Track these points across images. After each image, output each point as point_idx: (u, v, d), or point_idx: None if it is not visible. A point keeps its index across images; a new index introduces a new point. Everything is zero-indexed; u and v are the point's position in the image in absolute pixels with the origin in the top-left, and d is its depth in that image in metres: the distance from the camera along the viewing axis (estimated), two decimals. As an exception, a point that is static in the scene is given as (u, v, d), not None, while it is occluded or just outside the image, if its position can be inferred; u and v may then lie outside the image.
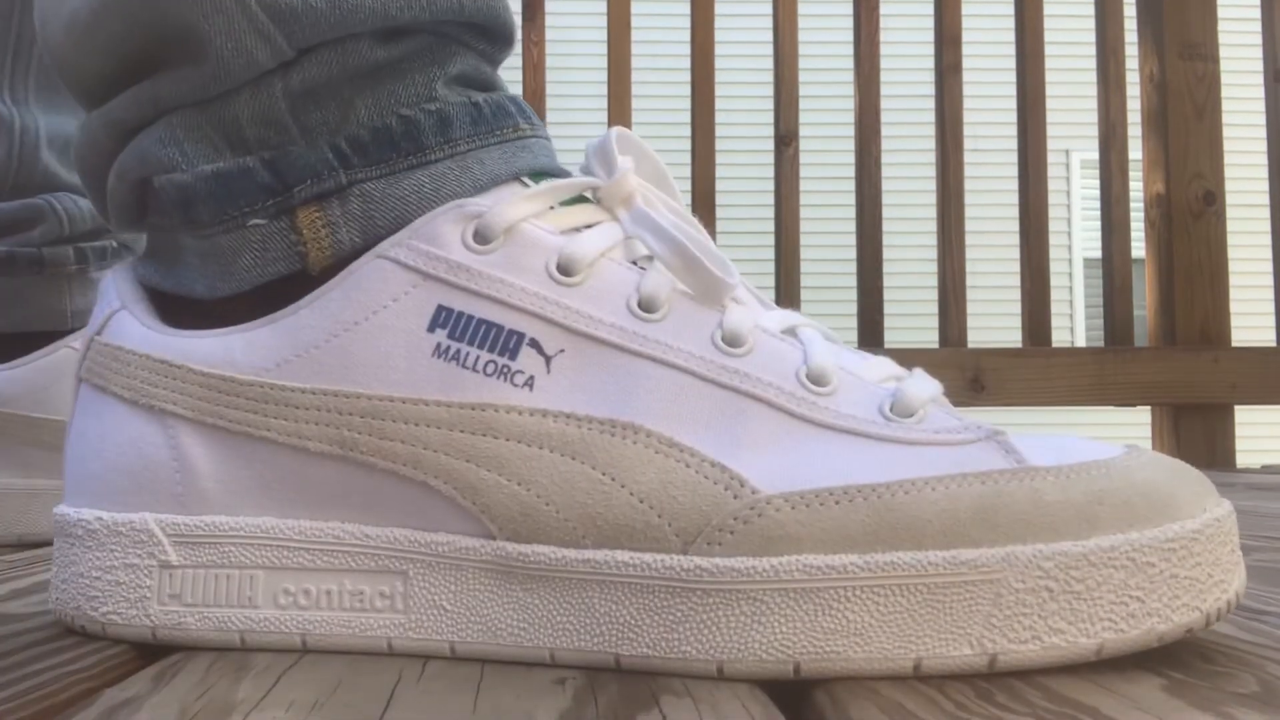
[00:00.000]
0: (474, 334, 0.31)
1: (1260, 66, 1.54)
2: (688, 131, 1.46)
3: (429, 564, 0.31)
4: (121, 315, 0.35)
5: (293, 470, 0.32)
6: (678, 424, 0.30)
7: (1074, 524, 0.28)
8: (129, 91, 0.35)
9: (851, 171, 1.50)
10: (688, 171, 1.45)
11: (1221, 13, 1.53)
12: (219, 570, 0.32)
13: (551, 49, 1.47)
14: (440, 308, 0.31)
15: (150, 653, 0.32)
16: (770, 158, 1.49)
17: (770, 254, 1.48)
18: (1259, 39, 1.55)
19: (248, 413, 0.32)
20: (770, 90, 1.49)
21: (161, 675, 0.28)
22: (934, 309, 1.48)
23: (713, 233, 1.46)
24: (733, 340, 0.31)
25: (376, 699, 0.26)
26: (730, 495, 0.29)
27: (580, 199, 0.34)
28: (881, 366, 0.33)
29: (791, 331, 0.33)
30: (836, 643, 0.28)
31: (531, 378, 0.31)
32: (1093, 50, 1.54)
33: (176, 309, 0.36)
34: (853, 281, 1.49)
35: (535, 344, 0.31)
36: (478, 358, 0.31)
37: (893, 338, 1.46)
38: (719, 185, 1.47)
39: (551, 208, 0.34)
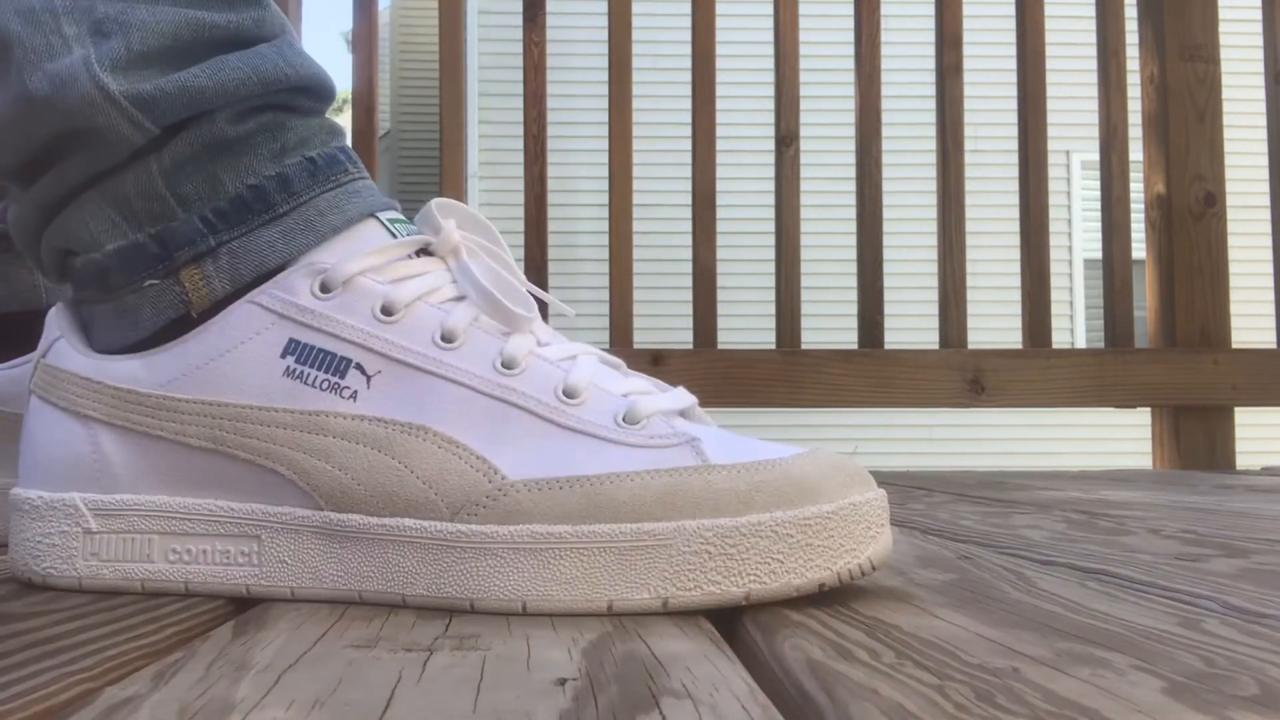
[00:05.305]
0: (315, 360, 0.41)
1: (1261, 68, 1.54)
2: (688, 132, 1.46)
3: (276, 529, 0.41)
4: (60, 343, 0.45)
5: (179, 460, 0.42)
6: (456, 426, 0.40)
7: (734, 505, 0.38)
8: (45, 177, 0.45)
9: (852, 172, 1.50)
10: (688, 172, 1.45)
11: (1222, 14, 1.53)
12: (126, 535, 0.42)
13: (552, 49, 1.47)
14: (291, 340, 0.41)
15: (152, 651, 0.32)
16: (771, 158, 1.48)
17: (770, 254, 1.47)
18: (1260, 40, 1.55)
19: (147, 417, 0.42)
20: (771, 90, 1.49)
21: (161, 674, 0.28)
22: (934, 310, 1.48)
23: (712, 233, 1.46)
24: (509, 364, 0.41)
25: (376, 699, 0.26)
26: (486, 479, 0.39)
27: (424, 251, 0.43)
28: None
29: (572, 358, 0.42)
30: (551, 588, 0.37)
31: (355, 392, 0.40)
32: (1093, 51, 1.53)
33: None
34: (853, 282, 1.49)
35: (360, 367, 0.41)
36: (316, 377, 0.41)
37: (893, 338, 1.46)
38: (719, 185, 1.46)
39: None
